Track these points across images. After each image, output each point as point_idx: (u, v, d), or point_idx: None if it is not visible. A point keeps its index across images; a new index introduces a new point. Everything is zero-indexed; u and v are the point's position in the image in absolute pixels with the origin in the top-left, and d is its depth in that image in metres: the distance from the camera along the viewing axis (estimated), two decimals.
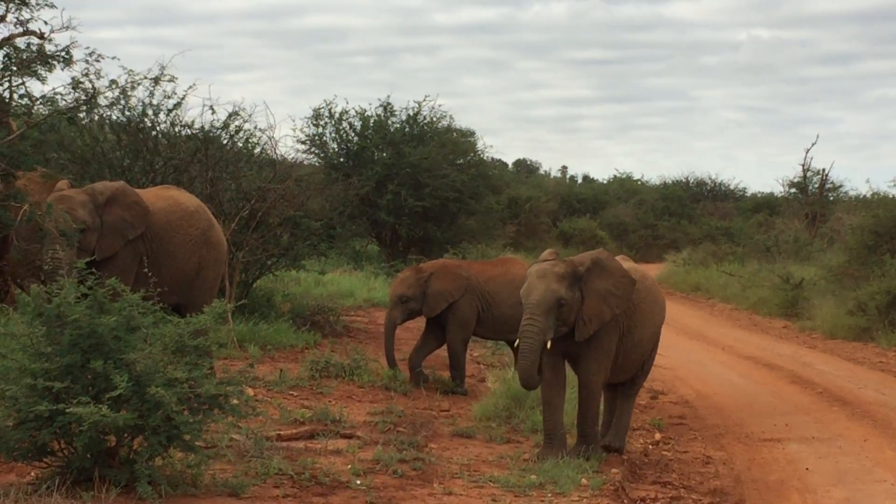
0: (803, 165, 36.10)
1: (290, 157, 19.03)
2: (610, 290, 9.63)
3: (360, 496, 7.76)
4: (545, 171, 63.72)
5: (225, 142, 15.68)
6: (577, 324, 9.50)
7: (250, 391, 9.94)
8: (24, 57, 11.35)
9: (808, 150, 45.21)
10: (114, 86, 12.49)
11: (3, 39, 11.48)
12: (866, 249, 20.77)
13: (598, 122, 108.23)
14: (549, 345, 9.40)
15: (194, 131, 15.16)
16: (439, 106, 30.76)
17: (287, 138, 33.48)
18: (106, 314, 7.33)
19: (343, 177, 23.11)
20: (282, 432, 9.43)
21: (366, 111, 26.84)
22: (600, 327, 9.62)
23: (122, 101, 14.31)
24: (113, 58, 11.94)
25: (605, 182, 55.16)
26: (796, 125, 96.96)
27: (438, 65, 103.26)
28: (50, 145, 12.86)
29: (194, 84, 14.84)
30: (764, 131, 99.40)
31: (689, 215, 43.39)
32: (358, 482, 8.08)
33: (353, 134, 26.59)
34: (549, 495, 8.18)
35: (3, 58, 11.49)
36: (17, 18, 11.52)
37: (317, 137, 26.50)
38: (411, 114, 27.01)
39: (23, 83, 11.67)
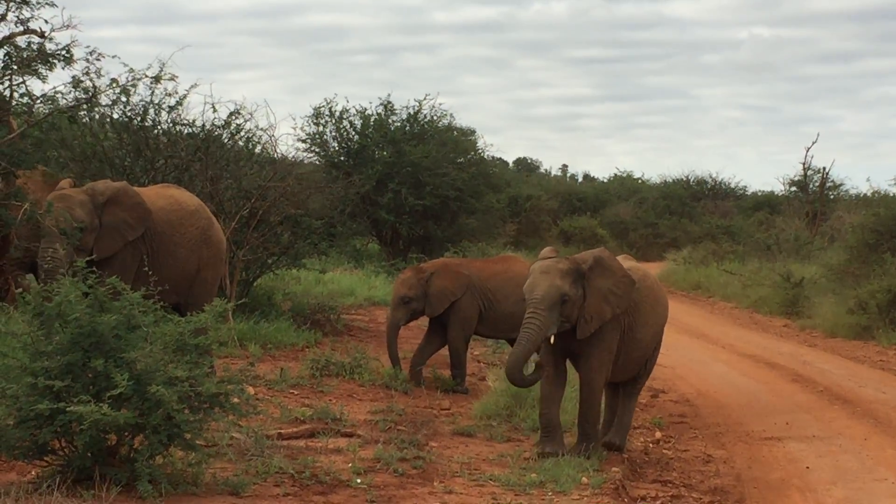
0: (804, 164, 36.11)
1: (291, 155, 19.10)
2: (611, 289, 9.65)
3: (361, 495, 7.77)
4: (546, 170, 63.82)
5: (226, 140, 15.69)
6: (579, 322, 9.52)
7: (251, 390, 9.93)
8: (25, 56, 11.37)
9: (809, 149, 45.08)
10: (114, 84, 12.50)
11: (3, 38, 11.49)
12: (867, 248, 20.77)
13: (599, 120, 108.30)
14: (551, 339, 9.43)
15: (195, 130, 15.17)
16: (440, 104, 30.88)
17: (287, 137, 33.53)
18: (106, 313, 7.34)
19: (343, 175, 23.10)
20: (282, 431, 9.43)
21: (366, 110, 26.86)
22: (601, 326, 9.64)
23: (124, 100, 14.32)
24: (113, 56, 11.97)
25: (605, 181, 55.16)
26: (797, 124, 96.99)
27: (439, 63, 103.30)
28: (50, 144, 12.88)
29: (196, 83, 14.87)
30: (764, 130, 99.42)
31: (690, 214, 43.37)
32: (358, 481, 8.08)
33: (353, 133, 26.58)
34: (550, 494, 8.18)
35: (4, 56, 11.51)
36: (17, 17, 11.54)
37: (317, 136, 26.49)
38: (412, 112, 27.01)
39: (23, 82, 11.70)
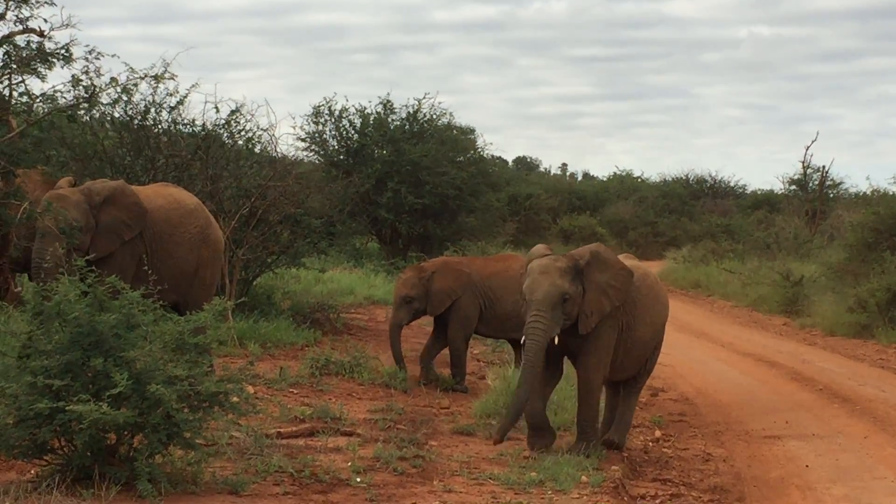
0: (803, 162, 36.11)
1: (291, 154, 19.09)
2: (609, 282, 9.69)
3: (361, 493, 7.77)
4: (545, 169, 63.80)
5: (226, 140, 15.69)
6: (580, 317, 9.55)
7: (250, 389, 9.92)
8: (24, 55, 11.35)
9: (809, 147, 45.34)
10: (114, 83, 12.49)
11: (3, 37, 11.47)
12: (866, 246, 20.77)
13: (599, 119, 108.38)
14: (556, 340, 9.45)
15: (195, 129, 15.17)
16: (439, 103, 30.81)
17: (287, 136, 33.57)
18: (106, 312, 7.34)
19: (343, 174, 23.12)
20: (282, 430, 9.43)
21: (366, 109, 26.86)
22: (601, 324, 9.65)
23: (125, 99, 14.31)
24: (113, 55, 11.94)
25: (605, 179, 55.16)
26: (796, 122, 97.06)
27: (439, 62, 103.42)
28: (50, 143, 12.86)
29: (197, 84, 14.86)
30: (764, 128, 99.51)
31: (690, 212, 43.39)
32: (358, 480, 8.08)
33: (353, 131, 26.58)
34: (549, 492, 8.18)
35: (3, 55, 11.49)
36: (16, 16, 11.52)
37: (317, 135, 26.50)
38: (411, 111, 27.01)
39: (23, 81, 11.67)
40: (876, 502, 8.68)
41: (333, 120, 26.48)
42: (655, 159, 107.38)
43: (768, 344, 17.96)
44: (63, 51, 11.36)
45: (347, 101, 31.50)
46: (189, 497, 7.28)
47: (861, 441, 10.76)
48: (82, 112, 12.83)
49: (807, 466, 9.83)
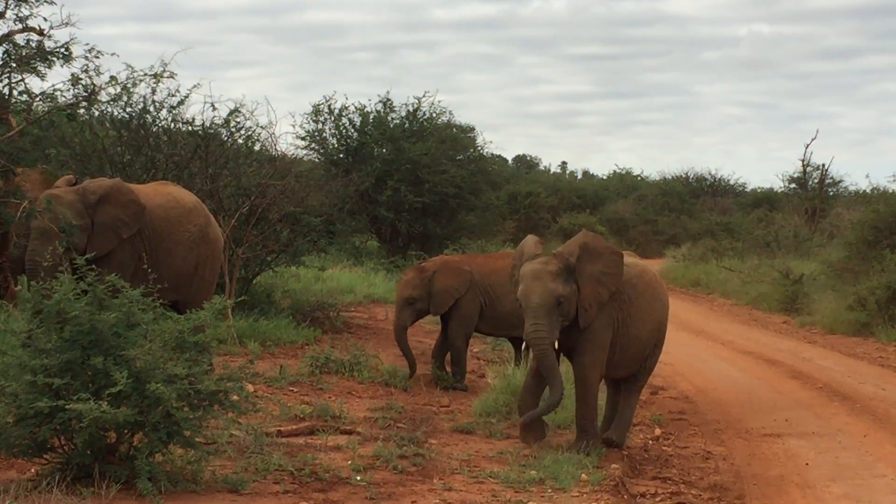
0: (803, 161, 36.08)
1: (290, 153, 19.11)
2: (602, 270, 9.75)
3: (360, 492, 7.77)
4: (545, 167, 63.74)
5: (225, 138, 15.69)
6: (580, 311, 9.59)
7: (250, 387, 9.93)
8: (24, 53, 11.34)
9: (808, 146, 45.45)
10: (113, 82, 12.49)
11: (2, 36, 11.47)
12: (866, 245, 20.77)
13: (598, 117, 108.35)
14: (556, 344, 9.53)
15: (195, 128, 15.17)
16: (439, 102, 30.93)
17: (287, 135, 33.57)
18: (106, 311, 7.34)
19: (343, 173, 23.11)
20: (282, 428, 9.43)
21: (365, 107, 26.84)
22: (597, 320, 9.68)
23: (124, 98, 14.31)
24: (112, 54, 11.94)
25: (604, 177, 55.15)
26: (796, 120, 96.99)
27: (438, 60, 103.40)
28: (50, 142, 12.86)
29: (199, 83, 14.86)
30: (764, 126, 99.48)
31: (689, 211, 43.38)
32: (358, 478, 8.09)
33: (352, 130, 26.57)
34: (549, 491, 8.18)
35: (3, 54, 11.48)
36: (16, 15, 11.51)
37: (316, 133, 26.48)
38: (411, 110, 27.01)
39: (22, 80, 11.66)
40: (876, 500, 8.68)
41: (333, 118, 26.48)
42: (655, 157, 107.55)
43: (768, 342, 17.96)
44: (63, 49, 11.35)
45: (347, 99, 31.60)
46: (189, 495, 7.28)
47: (861, 439, 10.76)
48: (82, 111, 12.84)
49: (807, 464, 9.83)
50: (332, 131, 26.61)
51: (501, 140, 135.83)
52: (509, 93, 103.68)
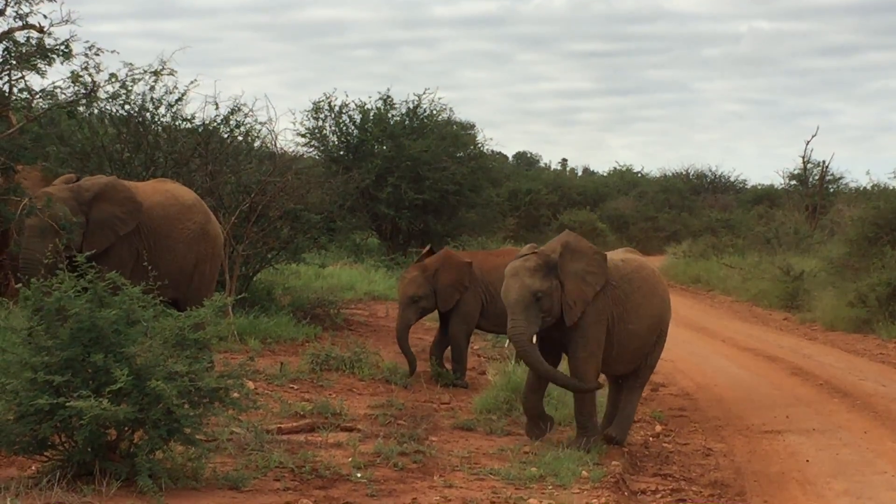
0: (803, 157, 36.07)
1: (290, 150, 19.10)
2: (585, 269, 9.77)
3: (361, 489, 7.77)
4: (545, 164, 63.68)
5: (225, 136, 15.69)
6: (564, 309, 9.61)
7: (251, 384, 9.94)
8: (24, 51, 11.35)
9: (809, 142, 45.37)
10: (113, 79, 12.49)
11: (2, 33, 11.47)
12: (866, 241, 20.75)
13: (599, 114, 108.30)
14: (534, 339, 9.55)
15: (195, 125, 15.17)
16: (439, 99, 30.89)
17: (287, 132, 33.51)
18: (106, 308, 7.34)
19: (343, 170, 23.12)
20: (282, 425, 9.44)
21: (366, 104, 26.86)
22: (586, 317, 9.69)
23: (123, 95, 14.31)
24: (112, 51, 11.94)
25: (605, 174, 55.10)
26: (797, 117, 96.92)
27: (439, 58, 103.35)
28: (50, 139, 12.86)
29: (196, 80, 14.87)
30: (764, 123, 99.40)
31: (690, 207, 43.34)
32: (359, 475, 8.08)
33: (352, 127, 26.58)
34: (550, 488, 8.18)
35: (3, 52, 11.49)
36: (16, 12, 11.53)
37: (317, 131, 26.50)
38: (411, 107, 27.02)
39: (22, 77, 11.68)
40: (876, 497, 8.68)
41: (333, 115, 26.50)
42: (656, 154, 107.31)
43: (769, 339, 17.96)
44: (63, 47, 11.36)
45: (347, 96, 31.58)
46: (190, 493, 7.28)
47: (861, 436, 10.76)
48: (82, 108, 12.84)
49: (807, 461, 9.83)
50: (333, 128, 26.63)
51: (502, 137, 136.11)
52: (510, 90, 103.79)
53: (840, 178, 37.83)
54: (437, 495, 7.78)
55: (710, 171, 50.22)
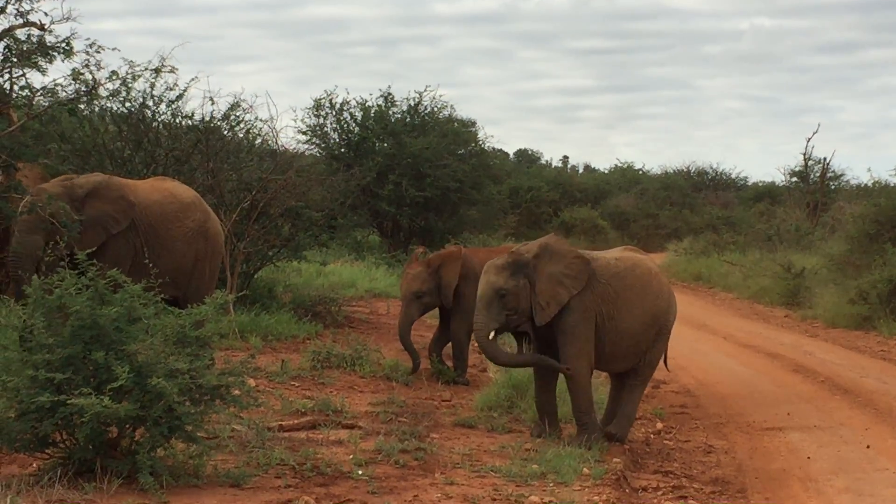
0: (805, 154, 36.02)
1: (292, 147, 19.07)
2: (562, 271, 9.84)
3: (362, 486, 7.77)
4: (546, 161, 63.65)
5: (226, 133, 15.69)
6: (535, 308, 9.74)
7: (252, 382, 9.95)
8: (25, 48, 11.35)
9: (810, 139, 45.34)
10: (114, 77, 12.49)
11: (3, 31, 11.48)
12: (868, 238, 20.74)
13: (600, 111, 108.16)
14: (491, 335, 9.79)
15: (195, 122, 15.16)
16: (440, 96, 30.87)
17: (288, 129, 33.56)
18: (107, 305, 7.34)
19: (344, 167, 23.11)
20: (283, 423, 9.44)
21: (367, 102, 26.86)
22: (571, 315, 9.74)
23: (124, 93, 14.30)
24: (113, 49, 11.94)
25: (606, 172, 55.05)
26: (798, 114, 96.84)
27: (440, 55, 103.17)
28: (50, 137, 12.86)
29: (196, 77, 14.87)
30: (765, 120, 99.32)
31: (691, 205, 43.31)
32: (360, 472, 8.09)
33: (354, 124, 26.58)
34: (551, 485, 8.19)
35: (4, 49, 11.50)
36: (17, 10, 11.54)
37: (318, 128, 26.50)
38: (412, 104, 27.02)
39: (23, 74, 11.69)
40: (877, 494, 8.68)
41: (334, 113, 26.50)
42: (657, 152, 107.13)
43: (770, 336, 17.96)
44: (63, 44, 11.37)
45: (348, 93, 31.62)
46: (191, 490, 7.29)
47: (863, 433, 10.76)
48: (83, 106, 12.84)
49: (808, 458, 9.83)
50: (334, 126, 26.63)
51: (503, 134, 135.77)
52: (511, 87, 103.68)
53: (841, 176, 37.79)
54: (438, 492, 7.78)
55: (712, 168, 50.25)
